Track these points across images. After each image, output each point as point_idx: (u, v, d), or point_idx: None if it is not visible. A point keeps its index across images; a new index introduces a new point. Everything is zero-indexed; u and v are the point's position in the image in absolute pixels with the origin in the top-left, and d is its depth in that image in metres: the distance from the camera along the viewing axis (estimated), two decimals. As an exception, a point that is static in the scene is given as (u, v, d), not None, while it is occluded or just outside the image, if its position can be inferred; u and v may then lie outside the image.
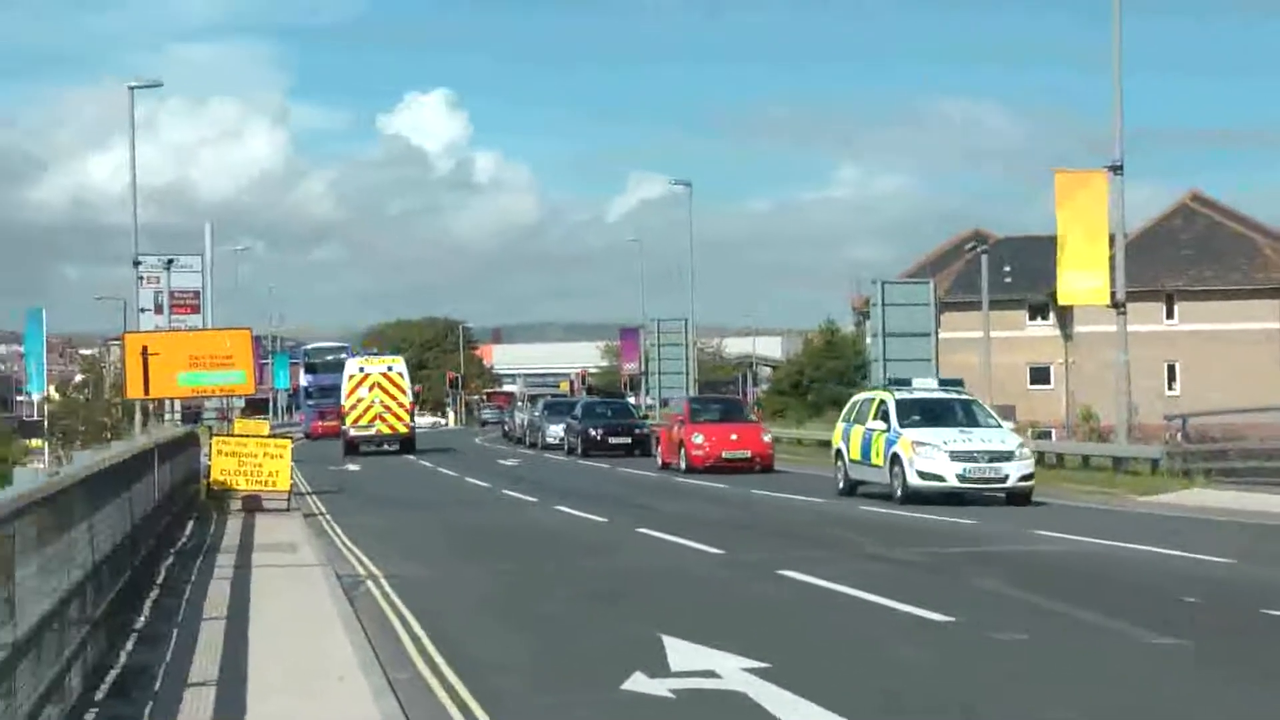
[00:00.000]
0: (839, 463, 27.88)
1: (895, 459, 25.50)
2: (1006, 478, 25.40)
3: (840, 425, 28.59)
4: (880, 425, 26.36)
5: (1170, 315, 65.23)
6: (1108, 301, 33.56)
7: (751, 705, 9.44)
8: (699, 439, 35.65)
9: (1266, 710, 9.80)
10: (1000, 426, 27.92)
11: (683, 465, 35.25)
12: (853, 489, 26.95)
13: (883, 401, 27.17)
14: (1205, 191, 73.37)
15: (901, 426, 25.80)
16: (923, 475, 25.06)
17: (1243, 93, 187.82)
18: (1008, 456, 25.69)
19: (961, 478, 25.16)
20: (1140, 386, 38.21)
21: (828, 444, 42.99)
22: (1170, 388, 60.80)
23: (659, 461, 38.27)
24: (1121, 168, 31.76)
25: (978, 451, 25.63)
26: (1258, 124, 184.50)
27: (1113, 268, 33.18)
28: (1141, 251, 55.18)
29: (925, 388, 29.08)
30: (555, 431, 50.65)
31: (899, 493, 25.26)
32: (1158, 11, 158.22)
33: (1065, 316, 61.26)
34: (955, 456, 25.34)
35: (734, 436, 36.24)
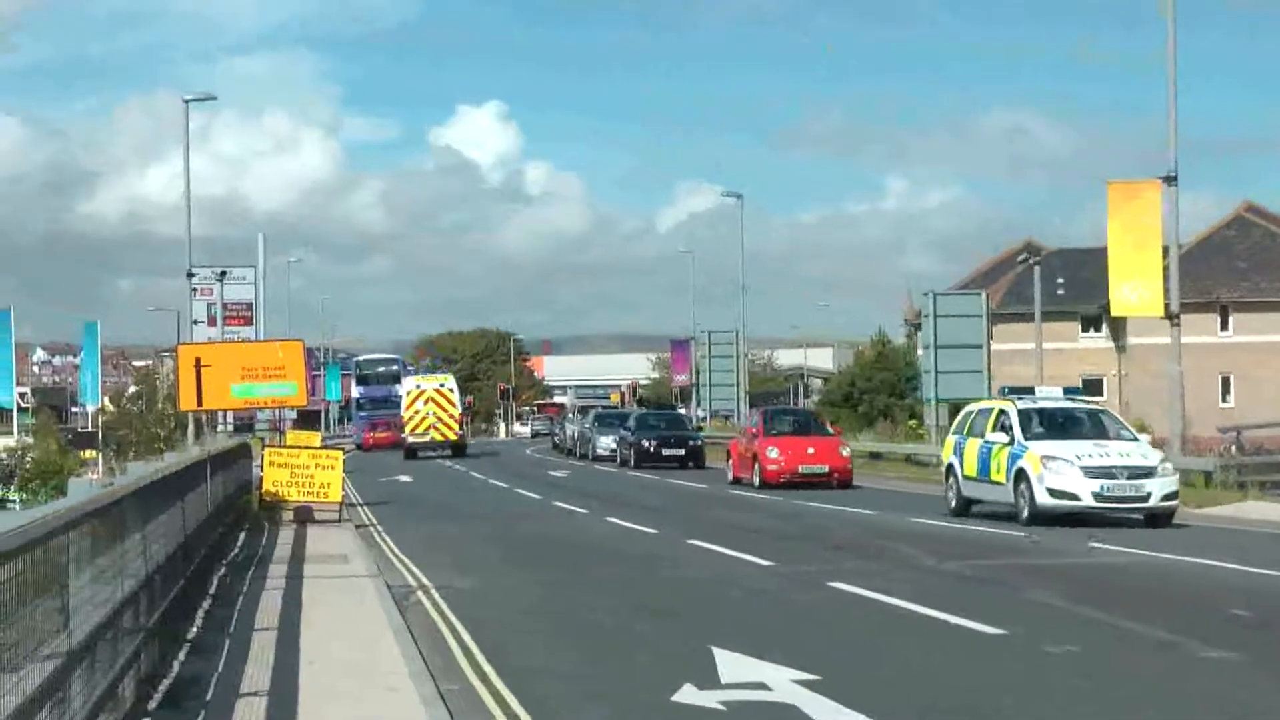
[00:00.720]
0: (950, 479, 25.72)
1: (1020, 475, 23.14)
2: (1148, 496, 22.98)
3: (952, 438, 26.45)
4: (1001, 438, 23.97)
5: (1225, 327, 64.78)
6: (1161, 313, 33.14)
7: (803, 718, 9.39)
8: (774, 453, 33.94)
9: None
10: (1137, 439, 24.91)
11: (756, 480, 33.59)
12: (966, 508, 24.87)
13: (1003, 412, 24.76)
14: (1259, 202, 72.41)
15: (1027, 439, 23.46)
16: (1054, 493, 22.64)
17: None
18: (1149, 473, 23.22)
19: (1098, 496, 22.77)
20: (1194, 399, 38.03)
21: (878, 456, 42.82)
22: (1224, 400, 60.19)
23: (729, 476, 36.39)
24: (1175, 178, 31.44)
25: (1116, 467, 23.15)
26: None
27: (1166, 279, 32.86)
28: (1195, 262, 54.96)
29: (1050, 396, 26.76)
30: (606, 443, 50.83)
31: (1025, 513, 22.92)
32: (1211, 22, 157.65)
33: (1118, 328, 60.89)
34: (1090, 473, 22.83)
35: (811, 450, 34.35)
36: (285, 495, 25.03)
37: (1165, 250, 33.18)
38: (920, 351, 44.57)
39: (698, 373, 69.54)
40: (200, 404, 28.67)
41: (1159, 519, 22.82)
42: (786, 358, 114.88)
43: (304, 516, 24.50)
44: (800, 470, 33.90)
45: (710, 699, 10.06)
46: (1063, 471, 22.40)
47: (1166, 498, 22.92)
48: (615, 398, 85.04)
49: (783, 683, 10.51)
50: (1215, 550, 20.32)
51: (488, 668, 11.88)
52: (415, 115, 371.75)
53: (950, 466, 25.73)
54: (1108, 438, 24.09)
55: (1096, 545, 21.06)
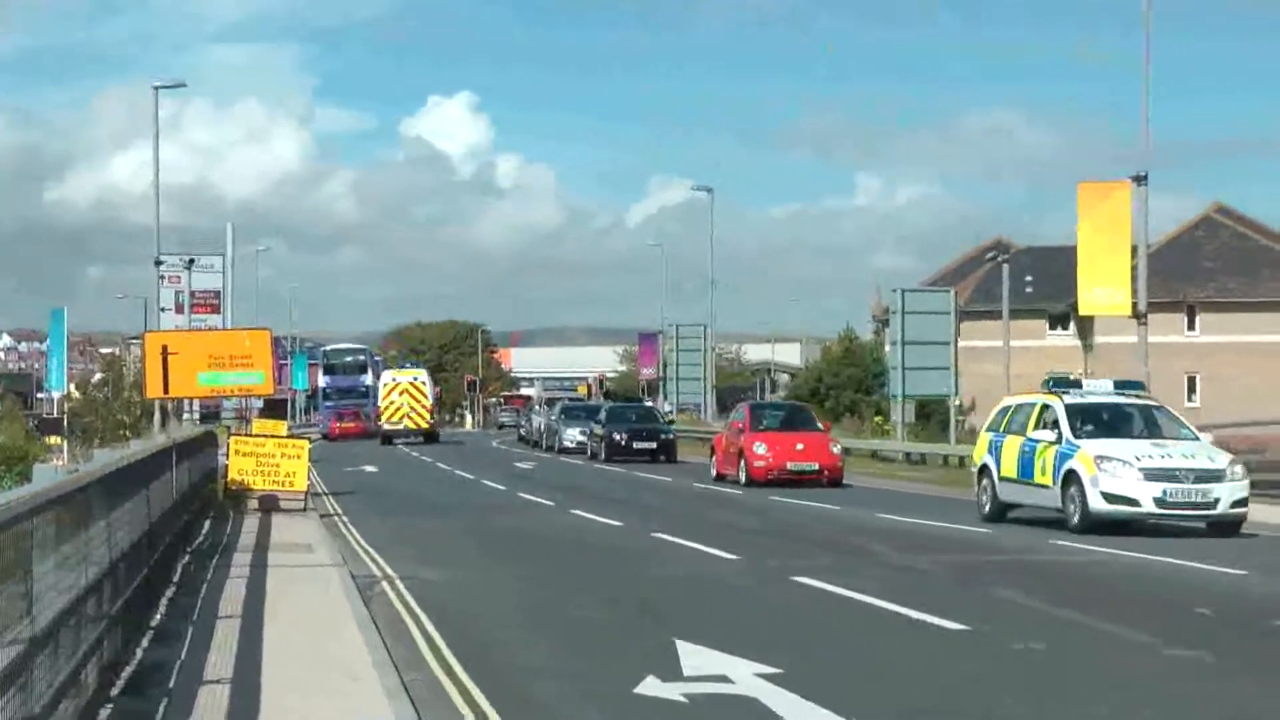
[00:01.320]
0: (983, 481, 23.60)
1: (1070, 477, 21.19)
2: (1216, 502, 21.01)
3: (986, 435, 24.33)
4: (1047, 435, 22.00)
5: (1192, 326, 66.22)
6: (1129, 312, 33.80)
7: (764, 710, 9.51)
8: (761, 448, 32.72)
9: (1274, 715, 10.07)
10: (1198, 439, 22.97)
11: (742, 478, 32.45)
12: (1002, 513, 22.87)
13: (1048, 406, 22.67)
14: (1229, 203, 73.99)
15: (1077, 437, 21.45)
16: (1109, 498, 20.80)
17: (1271, 105, 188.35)
18: (1217, 476, 21.17)
19: (1161, 502, 20.81)
20: (1161, 398, 36.89)
21: (846, 451, 42.31)
22: (1190, 399, 60.45)
23: (713, 472, 35.20)
24: (1146, 177, 31.94)
25: (1181, 470, 21.14)
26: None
27: (1134, 279, 33.49)
28: (1164, 263, 55.88)
29: (1100, 390, 24.17)
30: (572, 435, 50.67)
31: (1075, 519, 21.08)
32: (1188, 26, 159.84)
33: (1086, 327, 61.83)
34: (1152, 475, 20.90)
35: (800, 446, 32.96)
36: (251, 484, 25.20)
37: (1134, 250, 33.82)
38: (888, 348, 44.81)
39: (665, 366, 69.78)
40: (167, 391, 28.77)
41: (1226, 528, 21.10)
42: (755, 353, 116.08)
43: (269, 505, 24.66)
44: (789, 467, 32.83)
45: (672, 691, 10.12)
46: (1120, 474, 20.65)
47: (1236, 504, 21.10)
48: (582, 390, 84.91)
49: (745, 675, 10.56)
50: (1177, 550, 20.17)
51: (451, 658, 11.93)
52: (388, 107, 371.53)
53: (984, 467, 23.71)
54: (1165, 436, 22.37)
55: (1059, 543, 21.17)
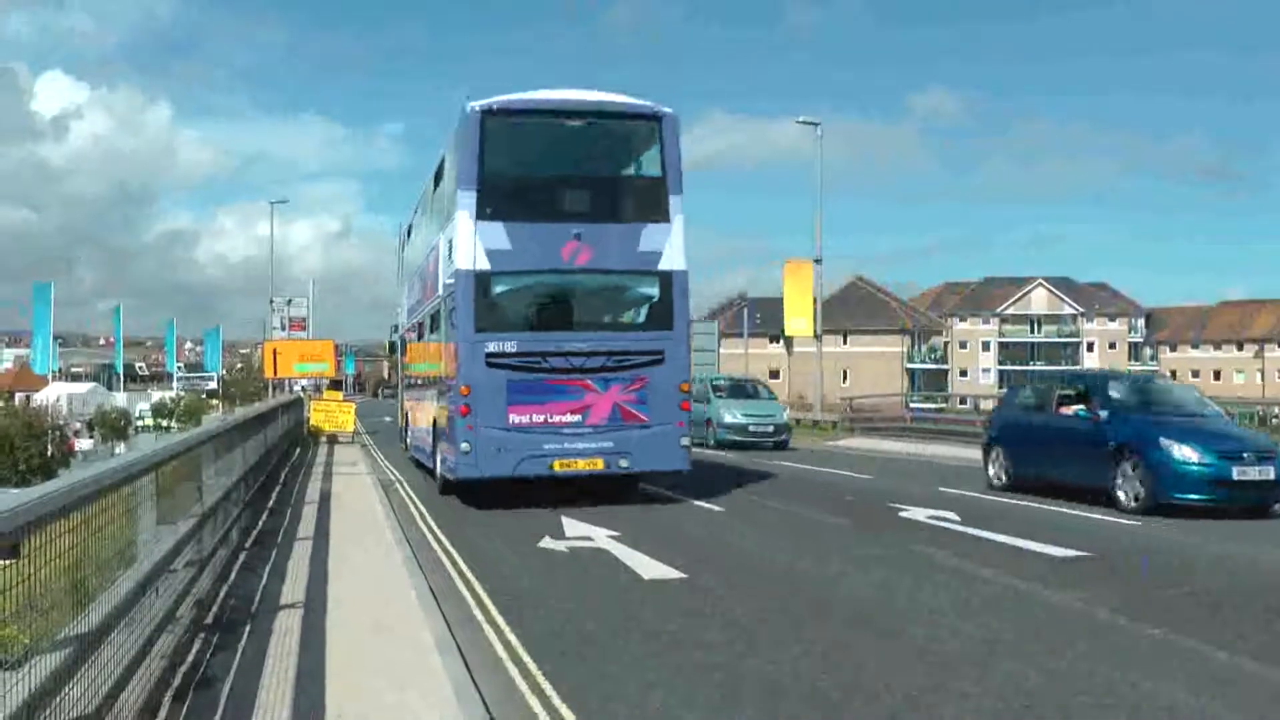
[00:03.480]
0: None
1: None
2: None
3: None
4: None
5: (845, 342, 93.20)
6: (811, 334, 44.62)
7: (611, 556, 11.57)
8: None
9: (878, 551, 12.03)
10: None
11: None
12: None
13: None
14: (864, 274, 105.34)
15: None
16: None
17: (905, 215, 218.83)
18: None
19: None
20: (827, 383, 51.13)
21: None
22: (844, 383, 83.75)
23: None
24: (820, 259, 42.88)
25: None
26: (905, 239, 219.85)
27: (815, 315, 43.55)
28: (830, 306, 73.04)
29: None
30: None
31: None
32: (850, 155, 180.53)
33: (789, 343, 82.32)
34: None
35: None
36: (322, 427, 31.63)
37: (814, 299, 43.50)
38: None
39: None
40: (276, 374, 37.41)
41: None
42: None
43: (333, 439, 30.82)
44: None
45: (560, 545, 12.25)
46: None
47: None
48: None
49: (601, 536, 12.71)
50: (836, 464, 24.77)
51: (431, 522, 14.33)
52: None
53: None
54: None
55: (779, 462, 24.14)
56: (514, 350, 15.61)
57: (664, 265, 15.96)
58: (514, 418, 15.57)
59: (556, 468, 15.66)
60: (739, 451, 28.37)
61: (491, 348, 15.53)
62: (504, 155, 15.95)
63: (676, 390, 16.09)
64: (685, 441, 16.15)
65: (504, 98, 15.98)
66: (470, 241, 15.57)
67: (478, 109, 15.77)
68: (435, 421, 18.36)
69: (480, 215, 15.58)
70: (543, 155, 16.64)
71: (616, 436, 15.92)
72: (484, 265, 15.56)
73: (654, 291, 16.10)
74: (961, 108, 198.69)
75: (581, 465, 15.74)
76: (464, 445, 15.53)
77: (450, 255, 16.35)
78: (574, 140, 16.40)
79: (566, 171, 16.61)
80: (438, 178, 18.81)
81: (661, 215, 16.01)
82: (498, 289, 15.74)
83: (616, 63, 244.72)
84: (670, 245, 15.93)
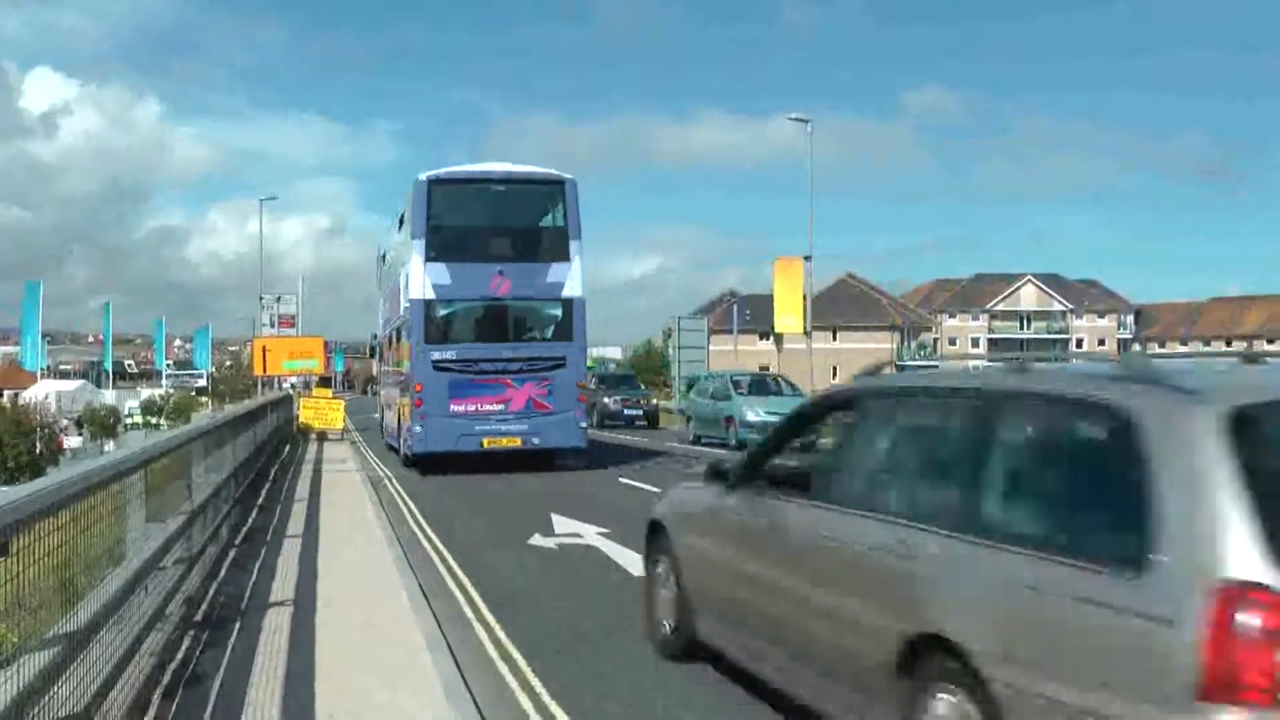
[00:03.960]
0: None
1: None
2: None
3: None
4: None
5: (835, 339, 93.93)
6: (802, 331, 44.73)
7: (600, 553, 11.66)
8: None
9: None
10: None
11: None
12: None
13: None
14: (856, 272, 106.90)
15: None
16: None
17: (900, 214, 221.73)
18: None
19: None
20: (818, 378, 49.54)
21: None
22: (834, 378, 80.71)
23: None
24: (810, 257, 43.49)
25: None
26: (896, 237, 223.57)
27: (805, 312, 43.57)
28: (820, 303, 74.14)
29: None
30: None
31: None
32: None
33: (779, 339, 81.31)
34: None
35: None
36: (311, 424, 31.35)
37: (805, 296, 43.63)
38: (671, 351, 53.74)
39: None
40: (265, 371, 37.03)
41: None
42: (593, 353, 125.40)
43: (322, 436, 30.72)
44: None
45: (549, 542, 12.31)
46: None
47: None
48: None
49: (590, 533, 12.79)
50: None
51: (421, 520, 14.43)
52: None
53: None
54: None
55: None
56: (454, 358, 20.85)
57: (566, 294, 21.21)
58: (454, 407, 20.65)
59: (486, 444, 20.69)
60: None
61: (437, 356, 20.73)
62: (446, 213, 21.24)
63: (574, 386, 21.19)
64: (583, 424, 21.43)
65: (446, 170, 21.80)
66: (420, 277, 20.83)
67: (426, 179, 21.16)
68: (399, 411, 23.61)
69: (428, 258, 20.84)
70: (475, 212, 21.97)
71: (530, 421, 21.09)
72: (431, 295, 20.92)
73: (558, 313, 21.24)
74: (959, 106, 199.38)
75: (504, 442, 20.76)
76: (418, 428, 20.74)
77: (407, 286, 21.58)
78: (498, 201, 21.93)
79: (492, 224, 21.99)
80: (400, 223, 23.72)
81: (564, 256, 21.18)
82: (441, 312, 21.04)
83: (615, 62, 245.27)
84: (571, 278, 21.10)
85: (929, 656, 4.45)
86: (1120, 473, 4.00)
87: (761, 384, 31.18)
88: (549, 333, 21.48)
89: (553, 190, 21.72)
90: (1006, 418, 4.74)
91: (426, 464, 20.83)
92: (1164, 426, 3.89)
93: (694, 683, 6.90)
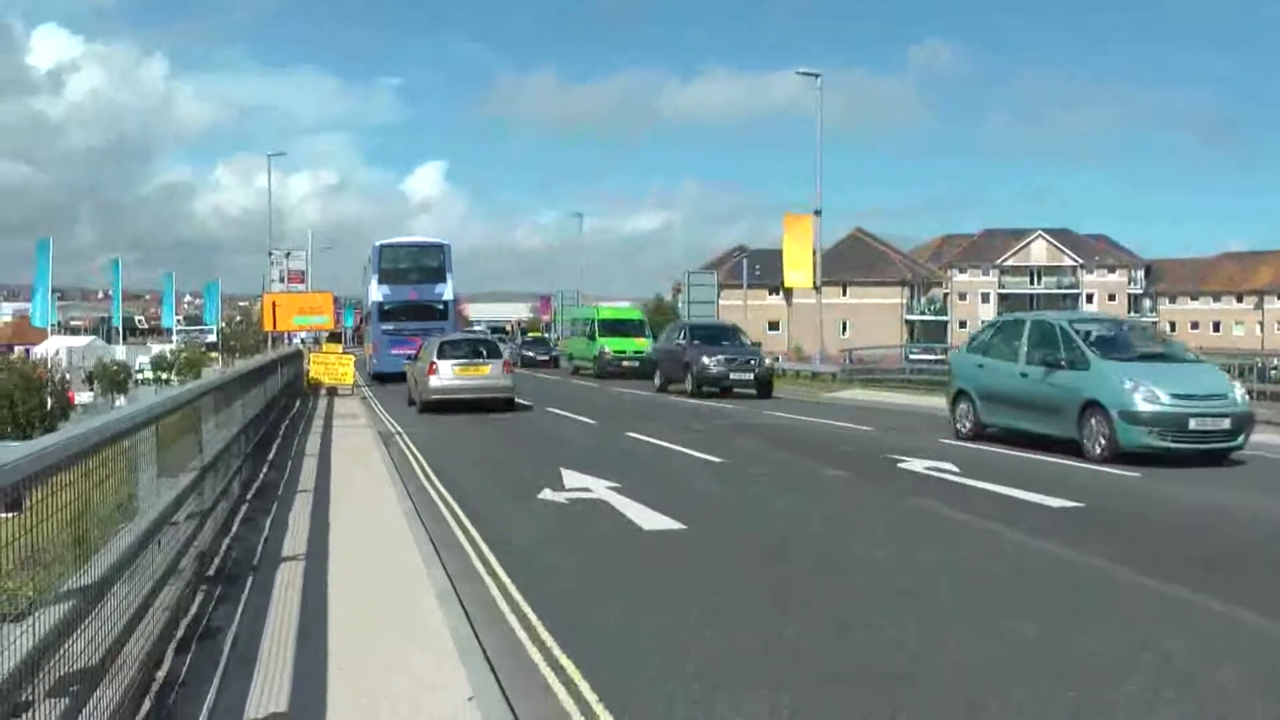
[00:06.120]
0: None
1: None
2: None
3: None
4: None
5: (845, 294, 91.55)
6: (811, 286, 44.55)
7: (610, 507, 11.71)
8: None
9: (882, 501, 12.42)
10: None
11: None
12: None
13: None
14: (864, 227, 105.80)
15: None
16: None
17: (905, 169, 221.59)
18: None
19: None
20: (827, 334, 51.21)
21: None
22: (843, 334, 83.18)
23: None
24: (820, 211, 42.66)
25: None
26: (910, 191, 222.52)
27: (814, 267, 43.42)
28: (830, 259, 73.52)
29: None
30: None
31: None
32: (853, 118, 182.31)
33: (788, 294, 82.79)
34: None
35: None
36: (322, 379, 31.87)
37: (814, 251, 43.32)
38: (681, 305, 54.37)
39: (555, 314, 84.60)
40: (275, 327, 37.76)
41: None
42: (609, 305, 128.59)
43: (332, 391, 31.17)
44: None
45: (559, 496, 12.39)
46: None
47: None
48: (507, 327, 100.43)
49: (600, 487, 12.84)
50: (836, 416, 24.30)
51: (431, 474, 14.51)
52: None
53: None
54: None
55: (774, 414, 24.37)
56: (391, 329, 39.27)
57: (445, 298, 40.21)
58: (393, 353, 36.84)
59: (405, 368, 29.39)
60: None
61: (384, 328, 39.59)
62: (390, 260, 41.09)
63: None
64: None
65: (389, 239, 42.94)
66: (376, 291, 40.65)
67: (379, 244, 41.85)
68: (369, 352, 42.84)
69: (379, 282, 40.46)
70: (401, 258, 41.41)
71: None
72: (380, 299, 40.48)
73: (441, 308, 39.79)
74: (963, 61, 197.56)
75: (405, 366, 29.76)
76: (374, 361, 39.83)
77: (370, 294, 42.22)
78: (415, 253, 41.79)
79: (410, 266, 41.17)
80: (369, 262, 43.96)
81: (444, 279, 40.57)
82: (386, 308, 40.30)
83: (618, 16, 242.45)
84: (447, 290, 40.38)
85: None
86: None
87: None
88: (436, 318, 38.70)
89: (440, 248, 42.03)
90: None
91: (384, 379, 37.35)
92: None
93: (702, 635, 6.81)
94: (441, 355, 25.31)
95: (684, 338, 32.01)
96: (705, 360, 30.22)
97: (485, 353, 26.17)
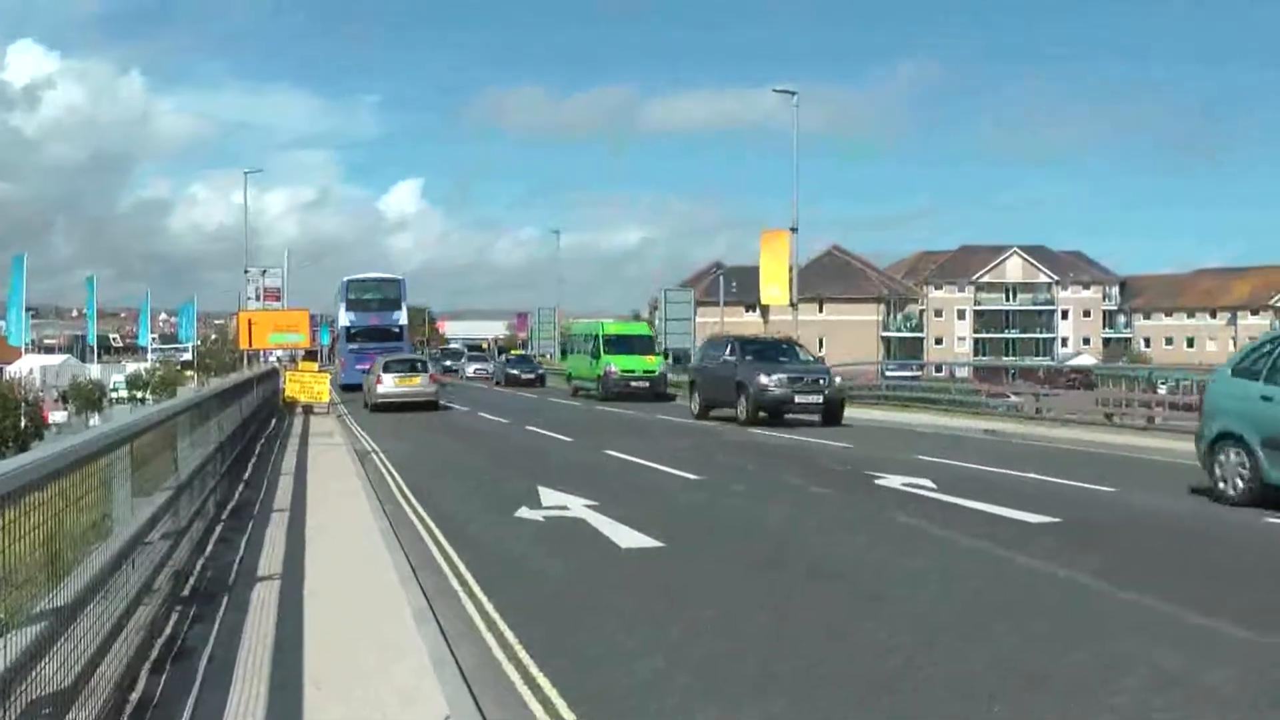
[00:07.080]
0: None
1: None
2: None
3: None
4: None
5: (821, 310, 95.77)
6: (788, 302, 44.02)
7: (587, 525, 11.68)
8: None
9: (856, 517, 12.25)
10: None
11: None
12: None
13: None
14: (841, 244, 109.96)
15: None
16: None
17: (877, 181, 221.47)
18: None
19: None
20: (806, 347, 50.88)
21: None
22: (820, 351, 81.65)
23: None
24: (796, 229, 42.91)
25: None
26: (887, 205, 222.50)
27: (791, 284, 43.17)
28: (806, 275, 73.51)
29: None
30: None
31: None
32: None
33: (765, 311, 79.87)
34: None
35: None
36: (298, 397, 31.83)
37: (791, 268, 43.13)
38: (658, 322, 54.37)
39: (531, 332, 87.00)
40: (251, 345, 37.74)
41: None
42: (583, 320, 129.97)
43: (308, 409, 31.14)
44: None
45: (536, 515, 12.38)
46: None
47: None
48: (485, 345, 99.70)
49: (577, 506, 12.83)
50: (816, 433, 23.43)
51: (407, 492, 14.58)
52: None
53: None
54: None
55: (757, 431, 24.01)
56: (356, 348, 46.21)
57: (400, 323, 47.86)
58: (357, 368, 42.30)
59: (363, 378, 35.39)
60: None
61: (350, 347, 47.05)
62: (355, 292, 48.72)
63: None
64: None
65: (355, 275, 51.06)
66: (344, 317, 48.53)
67: (345, 280, 49.86)
68: (340, 367, 48.12)
69: (346, 309, 48.38)
70: (366, 291, 48.78)
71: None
72: (348, 324, 48.51)
73: (397, 330, 47.11)
74: (942, 75, 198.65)
75: (366, 377, 34.52)
76: (342, 375, 45.34)
77: (339, 319, 50.68)
78: (375, 286, 49.50)
79: (372, 297, 48.41)
80: (338, 293, 50.16)
81: (399, 308, 48.48)
82: (351, 330, 48.12)
83: (595, 20, 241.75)
84: (402, 316, 48.28)
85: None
86: None
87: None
88: (392, 338, 45.89)
89: (396, 282, 49.72)
90: None
91: (348, 389, 42.74)
92: None
93: (683, 651, 6.79)
94: (386, 370, 34.48)
95: (732, 353, 27.66)
96: (764, 379, 25.70)
97: (418, 368, 35.79)
